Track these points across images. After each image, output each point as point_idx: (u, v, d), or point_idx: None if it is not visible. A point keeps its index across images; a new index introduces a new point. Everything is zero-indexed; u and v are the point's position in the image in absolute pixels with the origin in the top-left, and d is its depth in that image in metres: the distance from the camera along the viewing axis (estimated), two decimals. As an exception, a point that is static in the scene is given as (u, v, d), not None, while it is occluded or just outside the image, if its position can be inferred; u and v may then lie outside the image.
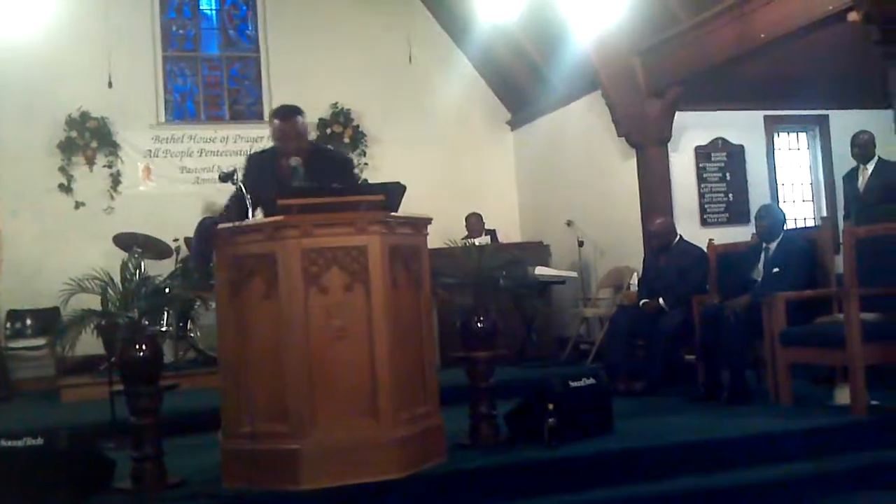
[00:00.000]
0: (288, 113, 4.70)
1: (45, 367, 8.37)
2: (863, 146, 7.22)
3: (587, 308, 8.96)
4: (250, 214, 4.42)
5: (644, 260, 7.35)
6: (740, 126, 8.99)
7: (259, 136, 9.93)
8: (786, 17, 6.61)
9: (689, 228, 7.94)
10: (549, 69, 9.56)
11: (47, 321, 8.21)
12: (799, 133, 9.58)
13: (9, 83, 9.06)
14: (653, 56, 8.18)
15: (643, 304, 6.70)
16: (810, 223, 9.28)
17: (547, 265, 8.84)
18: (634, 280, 8.19)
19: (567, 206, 9.54)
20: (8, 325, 8.66)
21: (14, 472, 3.96)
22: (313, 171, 4.59)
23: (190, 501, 3.97)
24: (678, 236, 6.87)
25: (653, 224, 7.11)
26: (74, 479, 4.03)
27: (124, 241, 8.15)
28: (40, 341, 8.37)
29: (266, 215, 4.30)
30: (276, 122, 4.69)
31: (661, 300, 6.60)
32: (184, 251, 8.21)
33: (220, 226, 4.27)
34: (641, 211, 8.46)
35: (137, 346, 4.17)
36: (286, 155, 4.60)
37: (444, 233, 6.01)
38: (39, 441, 4.03)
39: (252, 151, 5.07)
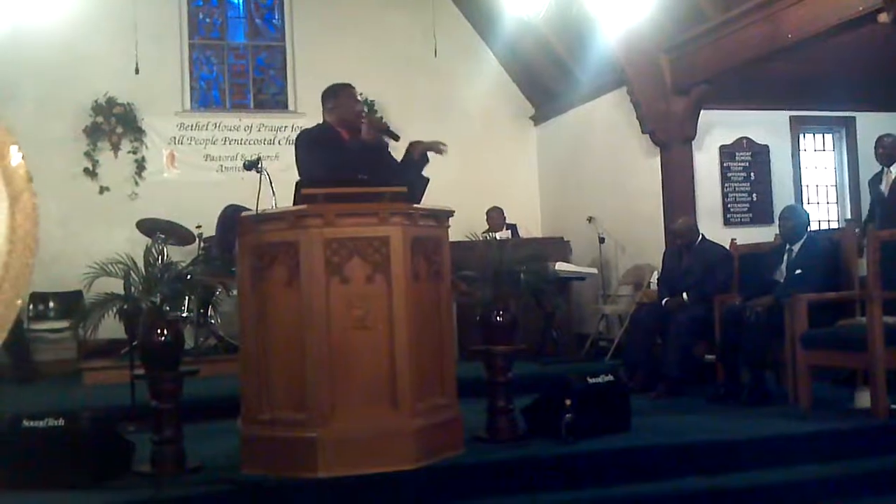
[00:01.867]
0: (347, 83, 4.99)
1: (67, 349, 8.44)
2: (887, 148, 7.14)
3: (607, 305, 8.94)
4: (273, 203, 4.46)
5: (663, 260, 7.32)
6: (766, 126, 8.93)
7: (283, 126, 9.99)
8: (815, 18, 6.56)
9: (712, 228, 7.90)
10: (575, 65, 9.53)
11: (70, 304, 8.29)
12: (825, 134, 9.52)
13: (37, 68, 9.14)
14: (680, 54, 8.14)
15: (666, 302, 6.66)
16: (834, 225, 9.22)
17: (567, 261, 8.82)
18: (655, 278, 8.16)
19: (589, 203, 9.52)
20: (31, 307, 8.73)
21: (35, 451, 4.01)
22: (366, 157, 4.70)
23: (208, 486, 4.00)
24: (700, 236, 6.83)
25: (675, 223, 7.07)
26: (94, 460, 4.08)
27: (147, 226, 8.21)
28: (63, 324, 8.45)
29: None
30: (345, 89, 4.94)
31: (684, 295, 6.55)
32: (208, 231, 8.19)
33: (244, 214, 4.30)
34: (664, 209, 8.43)
35: (159, 331, 4.21)
36: (351, 124, 4.78)
37: (465, 226, 6.01)
38: (61, 422, 4.08)
39: (302, 130, 5.10)
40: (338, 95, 4.91)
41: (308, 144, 4.76)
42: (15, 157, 0.69)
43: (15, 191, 0.68)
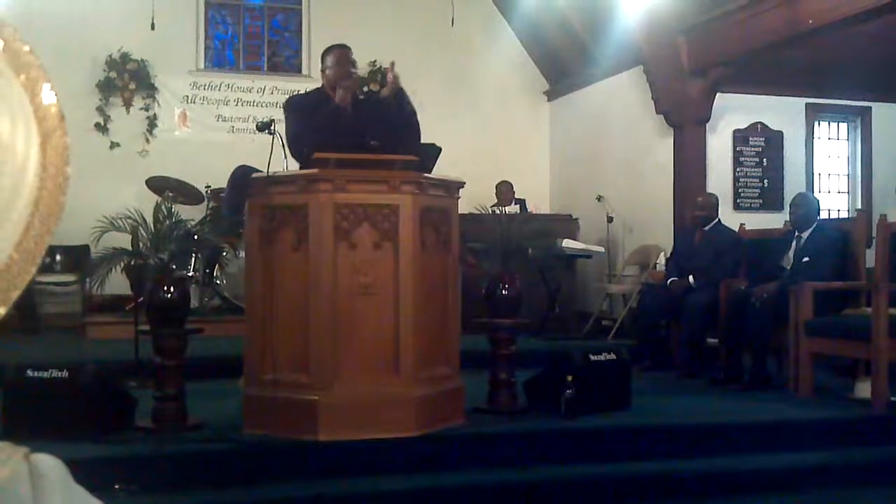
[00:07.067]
0: (341, 45, 4.74)
1: (72, 303, 8.46)
2: None
3: (611, 284, 8.93)
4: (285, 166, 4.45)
5: (675, 239, 7.29)
6: (781, 112, 8.88)
7: (296, 89, 9.87)
8: (836, 5, 6.50)
9: (722, 212, 7.80)
10: (592, 42, 9.46)
11: (77, 258, 8.30)
12: (840, 123, 9.45)
13: (53, 20, 9.09)
14: (698, 35, 8.07)
15: (671, 282, 6.65)
16: (843, 215, 9.19)
17: (575, 239, 8.80)
18: (661, 259, 8.14)
19: (599, 181, 9.49)
20: (38, 259, 8.73)
21: (39, 401, 4.04)
22: (361, 114, 4.56)
23: (209, 443, 4.03)
24: (717, 219, 6.81)
25: (700, 196, 7.01)
26: (97, 413, 4.11)
27: (157, 184, 8.20)
28: (69, 277, 8.46)
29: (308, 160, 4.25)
30: (332, 52, 4.70)
31: (691, 278, 6.54)
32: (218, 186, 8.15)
33: (255, 175, 4.30)
34: (674, 191, 8.40)
35: (166, 288, 4.22)
36: (338, 85, 4.53)
37: (474, 198, 6.00)
38: (65, 374, 4.10)
39: (292, 95, 4.96)
40: (324, 58, 4.75)
41: (295, 110, 4.64)
42: (48, 95, 0.69)
43: (47, 129, 0.68)
